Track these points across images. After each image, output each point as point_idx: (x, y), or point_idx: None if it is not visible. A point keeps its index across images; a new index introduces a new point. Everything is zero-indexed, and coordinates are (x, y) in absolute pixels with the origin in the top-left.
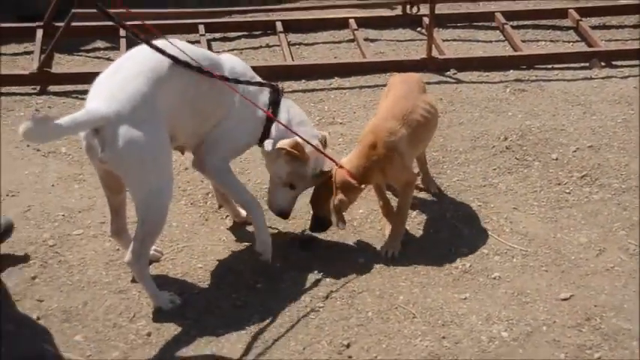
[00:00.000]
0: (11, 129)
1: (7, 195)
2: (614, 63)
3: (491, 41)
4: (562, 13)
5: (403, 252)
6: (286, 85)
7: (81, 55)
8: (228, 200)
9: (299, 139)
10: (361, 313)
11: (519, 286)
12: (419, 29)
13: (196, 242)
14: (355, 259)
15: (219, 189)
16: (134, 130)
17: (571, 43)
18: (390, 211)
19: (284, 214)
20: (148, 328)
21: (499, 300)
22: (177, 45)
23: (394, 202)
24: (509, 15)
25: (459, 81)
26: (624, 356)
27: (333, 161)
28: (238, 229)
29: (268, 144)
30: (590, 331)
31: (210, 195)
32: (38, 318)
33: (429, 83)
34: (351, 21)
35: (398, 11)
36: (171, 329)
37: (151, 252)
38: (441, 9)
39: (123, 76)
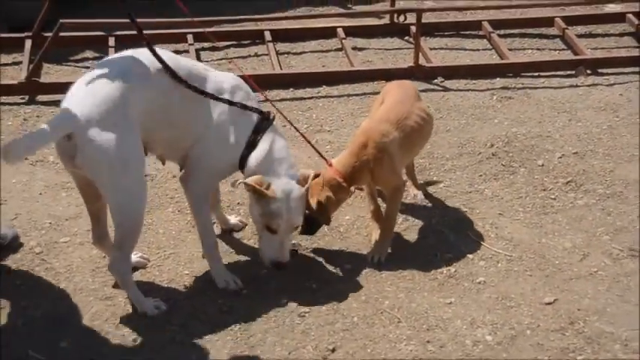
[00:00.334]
0: None
1: None
2: (599, 71)
3: (478, 50)
4: (548, 22)
5: (389, 257)
6: (274, 94)
7: (70, 65)
8: (216, 207)
9: (264, 177)
10: (347, 318)
11: (504, 290)
12: (406, 38)
13: (183, 249)
14: (341, 265)
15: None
16: (104, 134)
17: (557, 52)
18: (379, 217)
19: (275, 264)
20: (133, 334)
21: (484, 304)
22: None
23: (383, 208)
24: (496, 24)
25: (446, 89)
26: (607, 359)
27: (324, 159)
28: (225, 236)
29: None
30: (573, 335)
31: None
32: (23, 324)
33: None
34: (339, 30)
35: (386, 20)
36: (157, 335)
37: (137, 259)
38: (429, 18)
39: (94, 82)
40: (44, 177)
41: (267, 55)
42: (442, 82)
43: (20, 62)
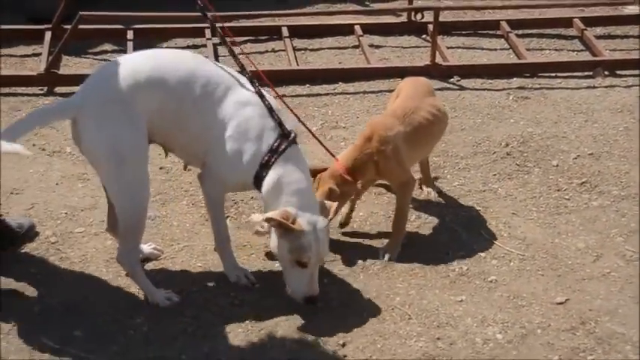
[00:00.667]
0: None
1: (12, 193)
2: (617, 72)
3: (495, 49)
4: (567, 23)
5: (401, 254)
6: (290, 90)
7: (88, 58)
8: None
9: (288, 209)
10: (357, 314)
11: (515, 289)
12: (423, 36)
13: (196, 242)
14: (353, 260)
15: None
16: (103, 126)
17: (575, 52)
18: (348, 222)
19: (308, 299)
20: (146, 324)
21: (495, 303)
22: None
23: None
24: (515, 24)
25: (462, 88)
26: None
27: (331, 154)
28: (237, 229)
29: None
30: (584, 335)
31: None
32: (39, 313)
33: None
34: (357, 27)
35: (403, 18)
36: (169, 325)
37: (151, 250)
38: (446, 17)
39: (105, 74)
40: (61, 168)
41: (284, 50)
42: (458, 80)
43: (40, 54)
